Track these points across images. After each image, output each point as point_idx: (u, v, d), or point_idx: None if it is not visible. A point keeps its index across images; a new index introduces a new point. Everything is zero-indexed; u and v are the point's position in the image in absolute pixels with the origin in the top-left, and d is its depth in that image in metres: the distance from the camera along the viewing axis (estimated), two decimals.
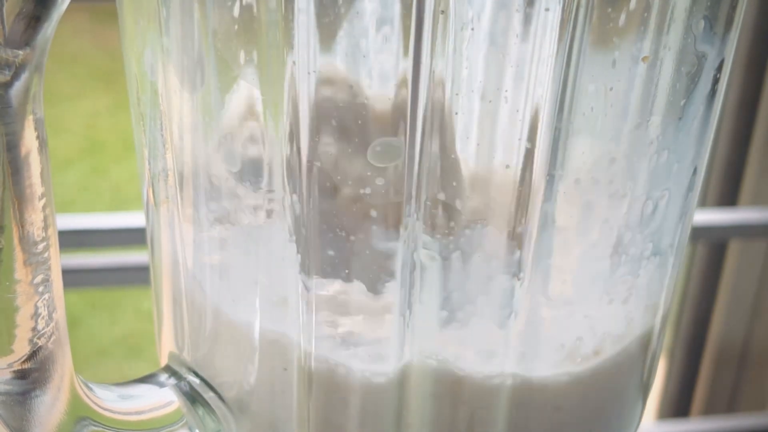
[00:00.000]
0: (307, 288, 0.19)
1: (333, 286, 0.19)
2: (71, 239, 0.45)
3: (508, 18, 0.17)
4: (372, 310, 0.19)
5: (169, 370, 0.23)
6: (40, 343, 0.19)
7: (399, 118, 0.17)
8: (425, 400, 0.20)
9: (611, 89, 0.18)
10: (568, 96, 0.18)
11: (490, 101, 0.17)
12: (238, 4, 0.18)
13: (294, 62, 0.17)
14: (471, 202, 0.18)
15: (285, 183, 0.19)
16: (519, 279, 0.19)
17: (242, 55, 0.18)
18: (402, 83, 0.17)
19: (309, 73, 0.17)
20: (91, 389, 0.21)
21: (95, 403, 0.21)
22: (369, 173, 0.18)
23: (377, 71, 0.17)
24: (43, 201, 0.18)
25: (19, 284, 0.18)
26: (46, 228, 0.18)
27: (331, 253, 0.19)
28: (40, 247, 0.18)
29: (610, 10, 0.17)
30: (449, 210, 0.18)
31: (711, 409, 0.64)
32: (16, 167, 0.17)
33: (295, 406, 0.21)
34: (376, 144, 0.18)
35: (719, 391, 0.64)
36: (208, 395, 0.22)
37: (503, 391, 0.20)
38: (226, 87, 0.19)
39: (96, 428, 0.21)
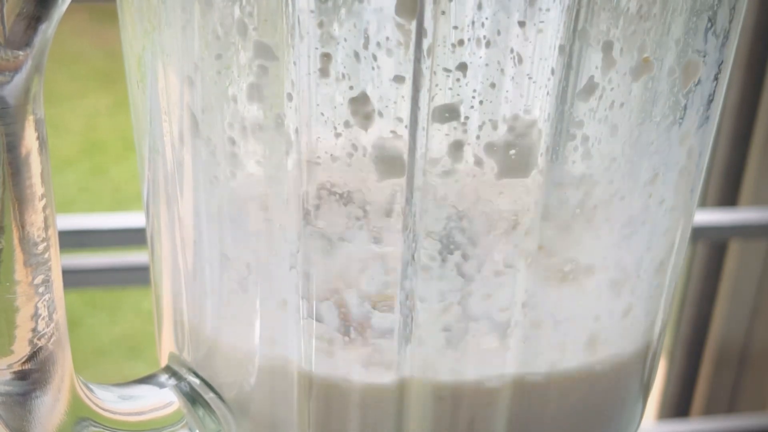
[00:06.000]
0: (306, 290, 0.19)
1: (334, 287, 0.19)
2: (71, 239, 0.45)
3: (508, 18, 0.17)
4: (372, 309, 0.19)
5: (169, 370, 0.23)
6: (40, 344, 0.19)
7: (400, 118, 0.17)
8: (426, 403, 0.20)
9: (611, 90, 0.18)
10: (569, 96, 0.18)
11: (490, 102, 0.17)
12: (238, 4, 0.17)
13: (294, 62, 0.17)
14: (471, 202, 0.18)
15: (286, 183, 0.19)
16: (519, 279, 0.19)
17: (242, 55, 0.18)
18: (403, 84, 0.17)
19: (309, 73, 0.17)
20: (91, 390, 0.21)
21: (95, 404, 0.21)
22: (370, 173, 0.18)
23: (378, 72, 0.17)
24: (43, 201, 0.18)
25: (20, 285, 0.18)
26: (46, 228, 0.18)
27: (331, 253, 0.19)
28: (41, 247, 0.18)
29: (609, 10, 0.17)
30: (450, 210, 0.18)
31: (711, 409, 0.64)
32: (16, 168, 0.17)
33: (296, 407, 0.21)
34: (377, 148, 0.18)
35: (719, 391, 0.64)
36: (209, 396, 0.22)
37: (504, 393, 0.20)
38: (225, 87, 0.18)
39: (96, 429, 0.21)
